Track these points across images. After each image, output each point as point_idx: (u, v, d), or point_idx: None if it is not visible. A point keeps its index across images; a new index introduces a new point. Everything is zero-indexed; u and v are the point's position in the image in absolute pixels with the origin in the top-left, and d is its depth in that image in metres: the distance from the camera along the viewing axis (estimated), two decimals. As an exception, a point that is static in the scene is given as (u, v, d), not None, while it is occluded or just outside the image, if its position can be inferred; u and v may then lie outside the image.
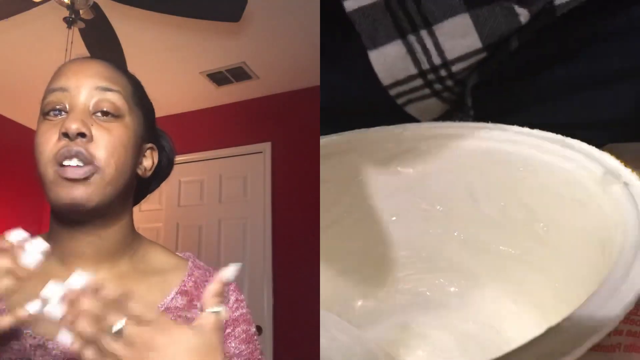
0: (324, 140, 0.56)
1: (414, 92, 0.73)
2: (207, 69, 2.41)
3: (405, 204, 0.57)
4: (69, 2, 1.53)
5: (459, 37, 0.66)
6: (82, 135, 0.49)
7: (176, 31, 2.06)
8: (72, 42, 1.69)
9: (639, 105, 0.71)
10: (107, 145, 0.50)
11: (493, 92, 0.78)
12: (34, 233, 0.56)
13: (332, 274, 0.57)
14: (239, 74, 2.46)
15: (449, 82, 0.71)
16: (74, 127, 0.48)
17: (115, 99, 0.52)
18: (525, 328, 0.50)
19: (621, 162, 0.45)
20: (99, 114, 0.51)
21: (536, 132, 0.51)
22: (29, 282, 0.51)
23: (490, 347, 0.51)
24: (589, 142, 0.52)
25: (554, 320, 0.31)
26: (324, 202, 0.56)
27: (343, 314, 0.55)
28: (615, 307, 0.32)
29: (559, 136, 0.50)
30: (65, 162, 0.48)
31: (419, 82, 0.71)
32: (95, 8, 1.63)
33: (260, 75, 2.48)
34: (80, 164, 0.48)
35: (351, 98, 0.78)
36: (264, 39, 2.16)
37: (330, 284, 0.56)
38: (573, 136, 0.70)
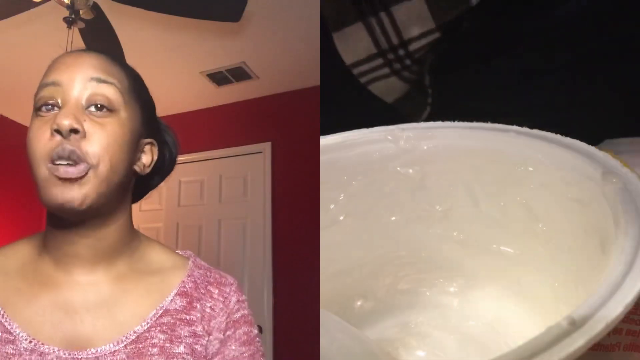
0: (324, 140, 0.56)
1: (375, 71, 0.79)
2: (207, 69, 2.41)
3: (405, 204, 0.57)
4: (69, 2, 1.53)
5: (414, 18, 0.72)
6: (75, 131, 0.46)
7: (176, 31, 2.06)
8: (72, 42, 1.69)
9: (586, 91, 0.77)
10: (100, 142, 0.47)
11: (452, 77, 0.84)
12: (33, 233, 0.56)
13: (332, 273, 0.56)
14: (239, 74, 2.46)
15: (407, 61, 0.77)
16: (66, 123, 0.45)
17: (109, 92, 0.49)
18: (525, 328, 0.50)
19: (620, 161, 0.45)
20: (93, 109, 0.48)
21: (536, 132, 0.51)
22: (25, 284, 0.50)
23: (490, 347, 0.51)
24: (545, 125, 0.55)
25: (553, 320, 0.31)
26: (323, 202, 0.55)
27: (342, 314, 0.55)
28: (615, 307, 0.32)
29: (558, 136, 0.50)
30: (59, 162, 0.45)
31: (379, 61, 0.77)
32: (95, 8, 1.63)
33: (260, 75, 2.48)
34: (73, 163, 0.46)
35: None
36: (264, 39, 2.16)
37: (330, 284, 0.56)
38: (527, 119, 0.76)
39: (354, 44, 0.75)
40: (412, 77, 0.81)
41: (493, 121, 0.82)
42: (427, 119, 0.86)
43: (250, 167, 2.64)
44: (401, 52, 0.75)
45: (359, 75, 0.79)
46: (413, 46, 0.75)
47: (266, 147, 2.62)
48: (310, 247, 2.20)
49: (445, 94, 0.85)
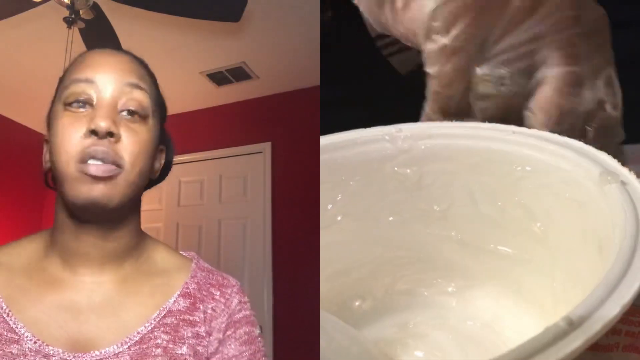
0: (322, 140, 0.56)
1: (396, 44, 0.82)
2: (207, 69, 2.41)
3: (403, 204, 0.56)
4: (69, 2, 1.53)
5: None
6: (111, 134, 0.46)
7: (176, 31, 2.07)
8: (72, 42, 1.69)
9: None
10: (133, 148, 0.48)
11: None
12: (33, 232, 0.56)
13: (330, 274, 0.56)
14: (239, 74, 2.46)
15: None
16: (104, 125, 0.45)
17: (142, 98, 0.50)
18: (524, 328, 0.50)
19: (619, 161, 0.45)
20: (125, 113, 0.49)
21: (534, 131, 0.51)
22: (31, 282, 0.49)
23: (489, 347, 0.51)
24: None
25: (552, 320, 0.31)
26: (322, 202, 0.55)
27: (341, 314, 0.54)
28: (613, 307, 0.32)
29: (557, 136, 0.50)
30: (91, 162, 0.45)
31: None
32: (95, 8, 1.63)
33: (260, 75, 2.48)
34: (104, 162, 0.46)
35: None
36: (264, 39, 2.17)
37: (328, 284, 0.56)
38: None
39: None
40: None
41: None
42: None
43: (250, 167, 2.64)
44: None
45: (381, 48, 0.82)
46: None
47: (266, 147, 2.62)
48: (310, 247, 2.20)
49: None
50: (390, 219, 0.57)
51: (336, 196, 0.56)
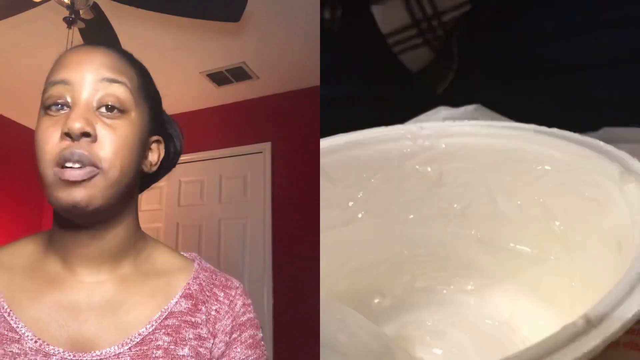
0: (341, 137, 0.55)
1: (408, 41, 0.85)
2: (207, 69, 2.41)
3: (423, 202, 0.56)
4: (69, 2, 1.52)
5: None
6: (86, 135, 0.45)
7: (176, 31, 2.06)
8: (72, 42, 1.69)
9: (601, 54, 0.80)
10: (111, 146, 0.46)
11: (475, 42, 0.89)
12: (33, 232, 0.55)
13: (350, 270, 0.56)
14: (239, 74, 2.46)
15: (439, 32, 0.83)
16: (77, 126, 0.44)
17: (121, 92, 0.48)
18: (541, 327, 0.50)
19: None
20: (103, 109, 0.47)
21: (554, 130, 0.51)
22: (31, 282, 0.49)
23: (506, 345, 0.51)
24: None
25: (570, 319, 0.31)
26: (340, 200, 0.55)
27: (360, 310, 0.54)
28: (632, 306, 0.31)
29: (577, 135, 0.49)
30: (67, 164, 0.45)
31: (413, 31, 0.83)
32: (95, 8, 1.62)
33: (260, 75, 2.48)
34: (80, 165, 0.45)
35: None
36: (264, 39, 2.16)
37: (348, 280, 0.56)
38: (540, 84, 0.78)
39: (391, 15, 0.81)
40: (440, 46, 0.86)
41: (509, 82, 0.83)
42: (450, 84, 0.91)
43: (250, 167, 2.64)
44: (434, 22, 0.81)
45: (393, 45, 0.85)
46: (446, 17, 0.81)
47: (266, 147, 2.62)
48: (310, 247, 2.20)
49: (468, 60, 0.89)
50: (411, 216, 0.56)
51: (357, 193, 0.55)
